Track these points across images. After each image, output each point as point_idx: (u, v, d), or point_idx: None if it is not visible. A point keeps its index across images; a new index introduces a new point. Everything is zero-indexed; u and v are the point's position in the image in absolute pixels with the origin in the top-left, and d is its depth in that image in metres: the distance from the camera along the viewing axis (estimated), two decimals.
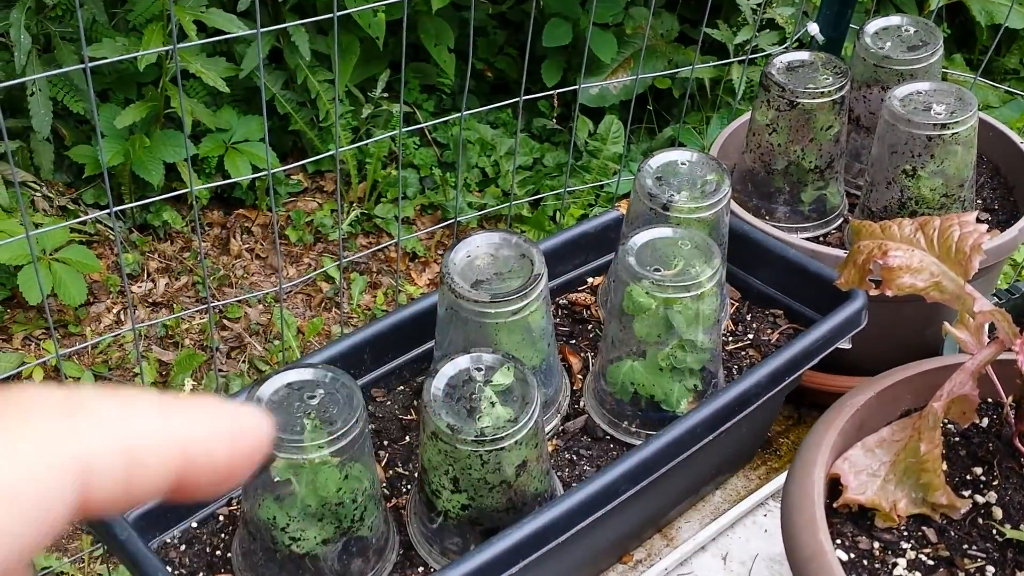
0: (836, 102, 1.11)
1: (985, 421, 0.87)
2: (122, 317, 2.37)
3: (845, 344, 1.02)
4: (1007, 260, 1.27)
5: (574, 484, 0.93)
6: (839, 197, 1.20)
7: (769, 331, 1.08)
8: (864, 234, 0.85)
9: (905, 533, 0.79)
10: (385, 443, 0.98)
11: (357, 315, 2.40)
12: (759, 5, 2.53)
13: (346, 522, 0.83)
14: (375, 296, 2.45)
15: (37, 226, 2.26)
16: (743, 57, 2.37)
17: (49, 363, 2.18)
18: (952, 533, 0.79)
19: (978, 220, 0.80)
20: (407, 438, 0.98)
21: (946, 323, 0.83)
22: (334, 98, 2.54)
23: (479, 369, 0.84)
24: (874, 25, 1.19)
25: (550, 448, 0.97)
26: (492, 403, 0.82)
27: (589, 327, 1.09)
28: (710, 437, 0.92)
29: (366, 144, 2.54)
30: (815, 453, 0.79)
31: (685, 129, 2.71)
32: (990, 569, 0.76)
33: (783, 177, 1.16)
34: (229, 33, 2.12)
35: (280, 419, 0.80)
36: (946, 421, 0.85)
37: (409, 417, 1.00)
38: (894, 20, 1.19)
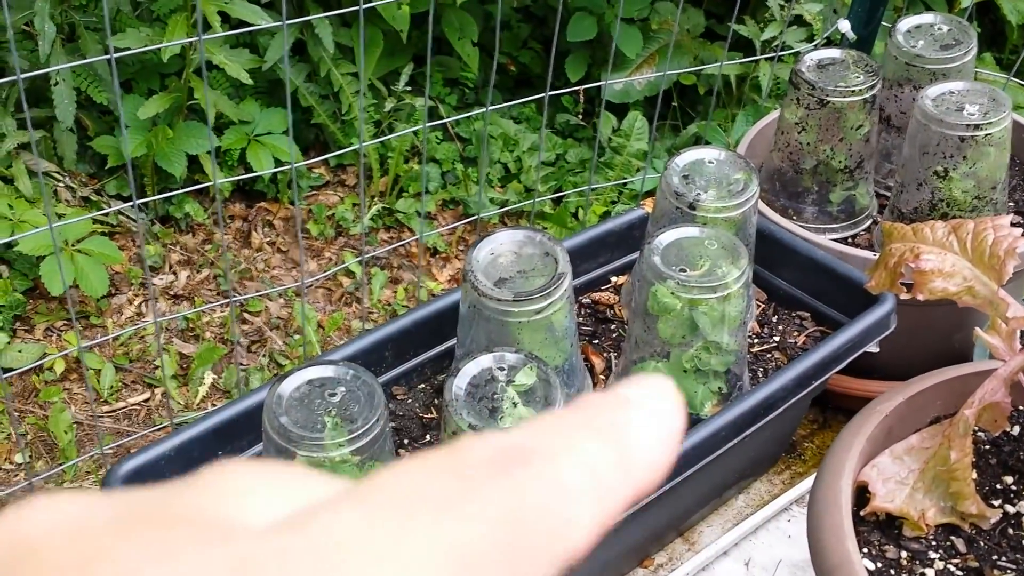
0: (867, 101, 1.10)
1: (1016, 429, 0.86)
2: (143, 309, 2.37)
3: (873, 348, 1.00)
4: None
5: None
6: (868, 198, 1.18)
7: (796, 333, 1.06)
8: (895, 236, 0.83)
9: (933, 543, 0.78)
10: (406, 441, 0.97)
11: (377, 310, 2.39)
12: (787, 1, 2.50)
13: None
14: (395, 292, 2.44)
15: (60, 217, 2.26)
16: (770, 55, 2.35)
17: (71, 355, 2.18)
18: (981, 543, 0.77)
19: (1012, 224, 0.79)
20: (428, 437, 0.97)
21: (977, 328, 0.81)
22: (358, 91, 2.53)
23: (502, 368, 0.83)
24: (906, 23, 1.17)
25: None
26: (514, 403, 0.81)
27: (612, 327, 1.08)
28: (734, 441, 0.91)
29: (388, 139, 2.53)
30: (843, 459, 0.78)
31: (710, 127, 2.69)
32: None
33: (812, 177, 1.15)
34: (253, 25, 2.12)
35: (301, 416, 0.79)
36: (976, 429, 0.84)
37: (430, 415, 0.99)
38: (927, 18, 1.17)
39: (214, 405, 2.13)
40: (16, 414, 2.11)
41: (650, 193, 2.15)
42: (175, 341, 2.30)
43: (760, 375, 1.02)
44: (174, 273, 2.45)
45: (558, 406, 0.80)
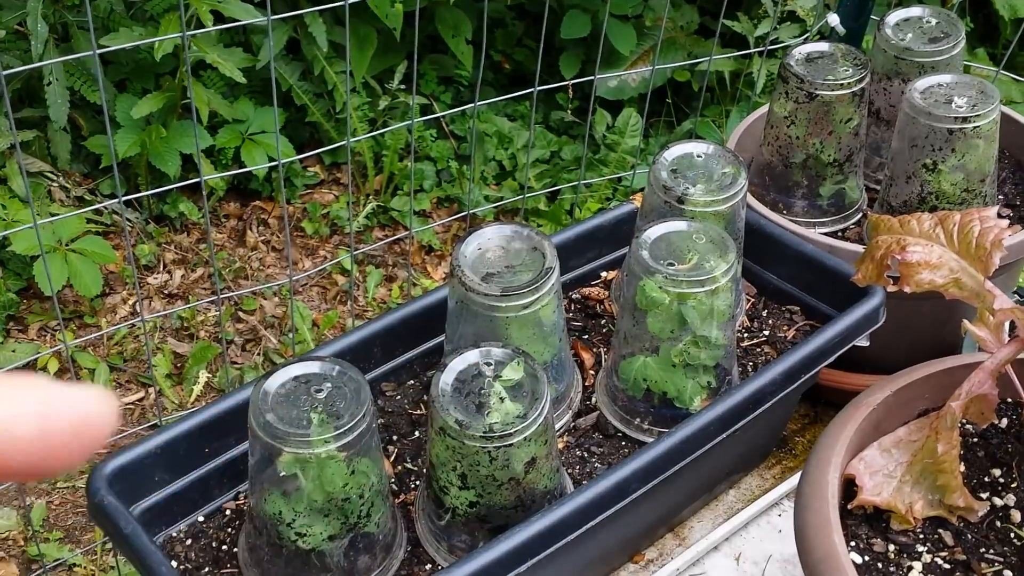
0: (856, 94, 1.09)
1: (1004, 422, 0.85)
2: (138, 308, 2.36)
3: (863, 342, 1.00)
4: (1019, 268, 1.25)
5: (585, 482, 0.91)
6: (858, 191, 1.18)
7: (785, 327, 1.06)
8: (882, 229, 0.83)
9: (921, 536, 0.77)
10: (394, 438, 0.97)
11: (372, 308, 2.39)
12: None
13: (352, 518, 0.81)
14: (390, 289, 2.44)
15: (52, 216, 2.26)
16: (760, 48, 2.35)
17: (64, 354, 2.18)
18: (969, 536, 0.77)
19: (999, 215, 0.78)
20: (416, 433, 0.97)
21: (965, 321, 0.81)
22: (353, 88, 2.53)
23: (488, 364, 0.83)
24: (895, 16, 1.17)
25: (561, 445, 0.96)
26: (501, 398, 0.81)
27: (602, 322, 1.08)
28: (724, 435, 0.90)
29: (382, 133, 2.52)
30: (830, 453, 0.77)
31: (704, 123, 2.69)
32: (1007, 573, 0.75)
33: (801, 171, 1.15)
34: (245, 23, 2.11)
35: (287, 413, 0.79)
36: (964, 422, 0.83)
37: (419, 412, 0.99)
38: (915, 11, 1.17)
39: (192, 408, 2.13)
40: None
41: (643, 189, 2.14)
42: (169, 340, 2.29)
43: (750, 369, 1.02)
44: (169, 272, 2.44)
45: (545, 401, 0.80)
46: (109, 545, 1.93)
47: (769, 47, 2.10)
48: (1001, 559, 0.75)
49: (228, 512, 0.91)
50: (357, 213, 2.54)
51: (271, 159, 2.44)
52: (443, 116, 2.59)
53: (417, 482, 0.93)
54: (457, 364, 0.83)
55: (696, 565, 1.02)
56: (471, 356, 0.83)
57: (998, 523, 0.78)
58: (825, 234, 1.14)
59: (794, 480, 1.08)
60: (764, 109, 1.23)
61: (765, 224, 1.08)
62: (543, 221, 2.51)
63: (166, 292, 2.41)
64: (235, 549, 0.88)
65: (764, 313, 1.08)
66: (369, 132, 2.58)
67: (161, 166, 2.38)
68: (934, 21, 1.16)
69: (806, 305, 1.07)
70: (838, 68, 1.10)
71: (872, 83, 1.17)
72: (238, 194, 2.62)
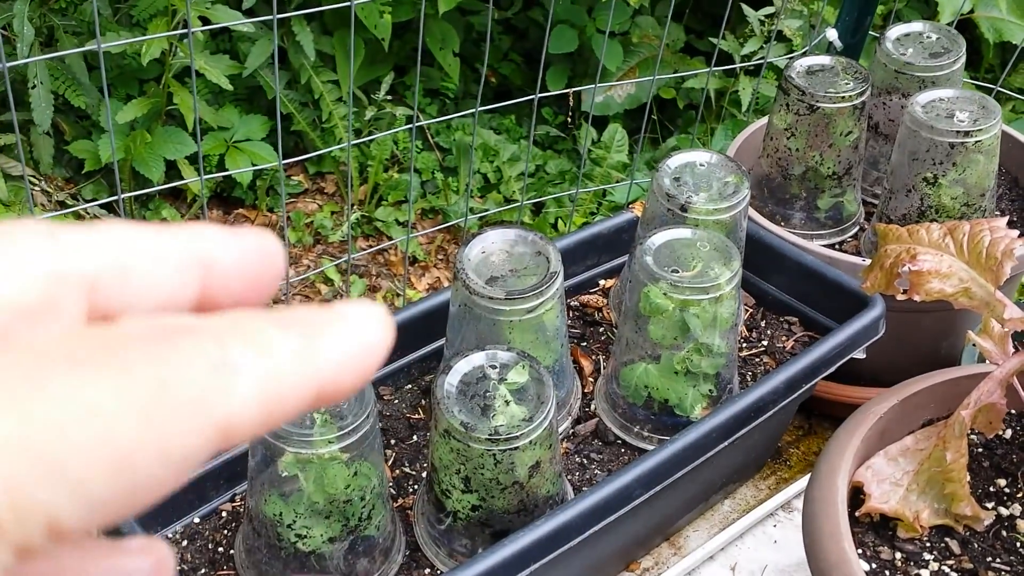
0: (856, 107, 1.10)
1: (1008, 433, 0.85)
2: None
3: (860, 354, 1.00)
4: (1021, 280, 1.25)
5: (585, 488, 0.91)
6: (856, 205, 1.18)
7: (784, 338, 1.06)
8: (891, 238, 0.83)
9: (928, 544, 0.77)
10: (392, 442, 0.96)
11: None
12: (767, 16, 2.51)
13: (353, 520, 0.81)
14: (374, 299, 2.43)
15: None
16: (741, 64, 2.36)
17: None
18: (976, 545, 0.77)
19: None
20: (415, 437, 0.96)
21: (971, 332, 0.81)
22: (339, 98, 2.52)
23: (493, 367, 0.82)
24: (895, 31, 1.17)
25: (560, 451, 0.95)
26: (507, 401, 0.80)
27: (601, 329, 1.07)
28: (725, 443, 0.90)
29: (370, 140, 2.52)
30: (838, 460, 0.77)
31: (686, 139, 2.69)
32: None
33: (800, 183, 1.15)
34: (234, 30, 2.10)
35: None
36: (970, 432, 0.83)
37: (417, 416, 0.98)
38: (916, 27, 1.17)
39: None
40: None
41: (633, 203, 2.15)
42: None
43: (749, 379, 1.02)
44: None
45: (551, 405, 0.80)
46: None
47: (752, 62, 2.12)
48: (1008, 568, 0.75)
49: (224, 513, 0.90)
50: (341, 223, 2.53)
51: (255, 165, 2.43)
52: (430, 122, 2.58)
53: (415, 486, 0.92)
54: (462, 367, 0.82)
55: (691, 574, 1.02)
56: (476, 359, 0.83)
57: (1004, 532, 0.78)
58: (823, 246, 1.14)
59: (789, 491, 1.08)
60: (761, 122, 1.23)
61: (765, 235, 1.08)
62: None
63: None
64: (232, 551, 0.87)
65: (763, 323, 1.08)
66: (354, 141, 2.57)
67: (145, 171, 2.36)
68: (934, 36, 1.17)
69: (805, 316, 1.07)
70: (839, 81, 1.11)
71: (871, 97, 1.18)
72: (221, 201, 2.61)
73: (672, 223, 0.96)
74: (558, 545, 0.80)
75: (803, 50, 2.09)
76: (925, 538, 0.77)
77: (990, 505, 0.80)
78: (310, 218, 2.58)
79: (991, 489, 0.81)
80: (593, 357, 1.04)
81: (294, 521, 0.79)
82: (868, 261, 0.98)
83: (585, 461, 0.95)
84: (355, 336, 0.25)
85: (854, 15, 1.30)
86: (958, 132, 1.02)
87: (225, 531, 0.88)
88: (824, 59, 1.14)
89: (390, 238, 2.54)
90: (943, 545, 0.77)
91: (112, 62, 2.48)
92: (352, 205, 2.59)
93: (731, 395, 0.95)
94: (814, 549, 0.73)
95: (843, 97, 1.09)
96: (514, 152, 2.65)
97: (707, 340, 0.91)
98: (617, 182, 2.55)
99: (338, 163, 2.67)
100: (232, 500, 0.90)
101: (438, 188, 2.63)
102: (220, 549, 0.87)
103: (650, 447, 0.94)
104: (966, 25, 2.66)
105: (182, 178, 2.45)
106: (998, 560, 0.76)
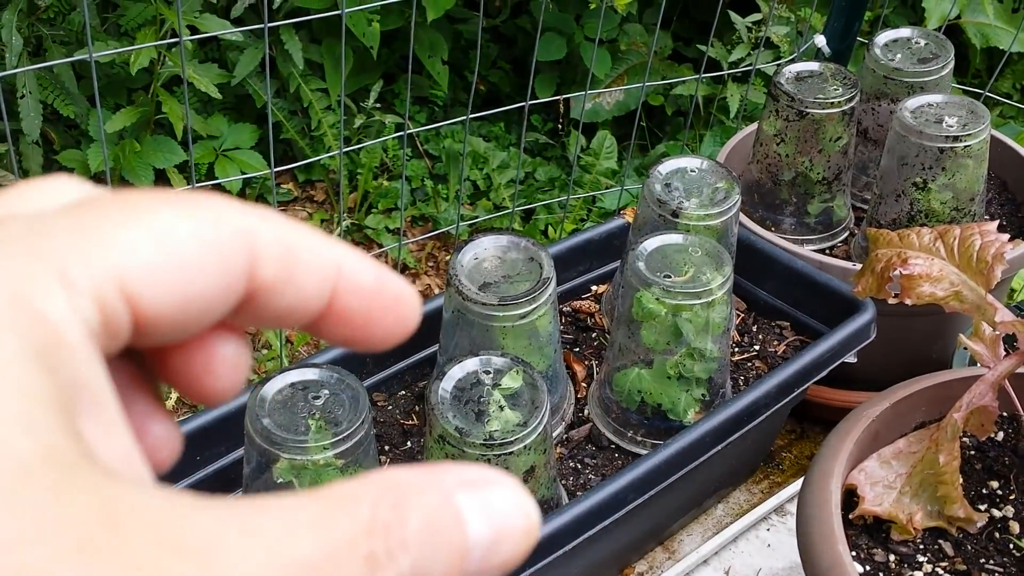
0: (845, 113, 1.10)
1: (1000, 435, 0.86)
2: None
3: (851, 358, 1.01)
4: (1010, 284, 1.26)
5: (579, 493, 0.91)
6: (846, 210, 1.19)
7: (775, 343, 1.06)
8: (882, 243, 0.84)
9: (921, 546, 0.78)
10: (387, 448, 0.96)
11: None
12: (755, 23, 2.53)
13: None
14: None
15: None
16: (729, 71, 2.37)
17: None
18: (969, 547, 0.78)
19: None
20: (409, 443, 0.96)
21: (962, 335, 0.82)
22: (328, 107, 2.52)
23: (487, 372, 0.82)
24: (884, 37, 1.18)
25: (554, 456, 0.96)
26: (501, 407, 0.80)
27: (593, 335, 1.08)
28: (718, 448, 0.90)
29: (359, 148, 2.52)
30: (832, 463, 0.77)
31: (676, 146, 2.70)
32: None
33: (790, 188, 1.15)
34: (222, 39, 2.10)
35: (284, 419, 0.78)
36: (962, 434, 0.84)
37: (411, 422, 0.98)
38: (904, 32, 1.18)
39: (180, 418, 2.11)
40: None
41: (623, 209, 2.15)
42: None
43: (741, 383, 1.02)
44: None
45: (545, 409, 0.80)
46: None
47: (740, 69, 2.13)
48: (1001, 569, 0.76)
49: None
50: (331, 230, 2.53)
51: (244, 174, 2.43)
52: (417, 133, 2.59)
53: None
54: (456, 372, 0.82)
55: None
56: (470, 364, 0.83)
57: (997, 534, 0.78)
58: (813, 251, 1.15)
59: (782, 495, 1.08)
60: (750, 129, 1.24)
61: (755, 240, 1.09)
62: None
63: None
64: None
65: (754, 328, 1.08)
66: (344, 149, 2.57)
67: (134, 181, 2.36)
68: (923, 42, 1.17)
69: (796, 320, 1.07)
70: (828, 87, 1.11)
71: (860, 103, 1.18)
72: None
73: (663, 229, 0.97)
74: (552, 550, 0.80)
75: (791, 56, 2.10)
76: (918, 540, 0.78)
77: (983, 507, 0.80)
78: None
79: (984, 491, 0.81)
80: (586, 362, 1.04)
81: None
82: (858, 266, 0.99)
83: (579, 466, 0.95)
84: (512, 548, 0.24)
85: (842, 21, 1.30)
86: (947, 137, 1.02)
87: None
88: (813, 65, 1.14)
89: (380, 245, 2.54)
90: (936, 547, 0.78)
91: (101, 72, 2.48)
92: (342, 213, 2.58)
93: (724, 399, 0.95)
94: (808, 552, 0.73)
95: (832, 103, 1.09)
96: (504, 159, 2.66)
97: (699, 345, 0.91)
98: (606, 189, 2.56)
99: (328, 171, 2.67)
100: None
101: (428, 195, 2.64)
102: None
103: (644, 451, 0.94)
104: (953, 30, 2.67)
105: (171, 187, 2.44)
106: (991, 562, 0.76)
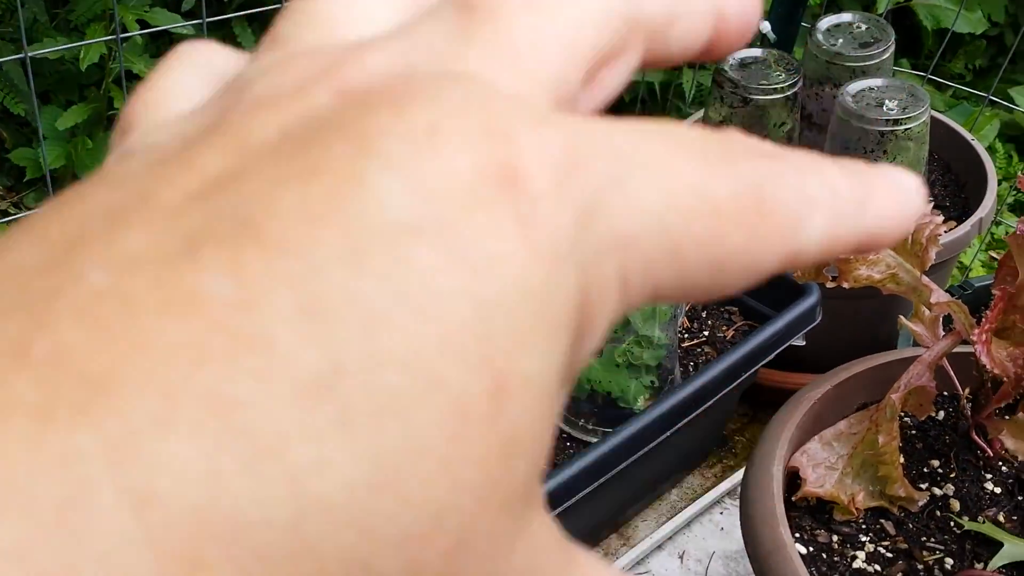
0: (789, 99, 1.11)
1: (941, 414, 0.87)
2: None
3: (799, 341, 1.02)
4: (955, 264, 1.28)
5: None
6: None
7: (724, 328, 1.07)
8: None
9: (863, 526, 0.79)
10: None
11: None
12: None
13: None
14: None
15: None
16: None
17: None
18: (910, 525, 0.79)
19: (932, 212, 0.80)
20: None
21: (901, 317, 0.83)
22: None
23: None
24: (826, 22, 1.19)
25: None
26: None
27: None
28: (668, 433, 0.91)
29: None
30: (773, 447, 0.79)
31: None
32: (948, 561, 0.76)
33: None
34: (174, 33, 2.09)
35: None
36: (903, 414, 0.85)
37: None
38: (845, 17, 1.19)
39: None
40: None
41: None
42: None
43: (691, 369, 1.03)
44: None
45: None
46: None
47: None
48: (942, 547, 0.77)
49: None
50: None
51: None
52: None
53: None
54: None
55: (641, 564, 1.03)
56: None
57: (938, 512, 0.80)
58: None
59: (735, 478, 1.09)
60: (698, 115, 1.25)
61: None
62: None
63: None
64: None
65: (703, 314, 1.09)
66: None
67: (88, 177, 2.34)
68: (864, 27, 1.18)
69: (744, 306, 1.08)
70: (771, 73, 1.12)
71: (804, 88, 1.19)
72: None
73: None
74: None
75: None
76: (861, 520, 0.79)
77: (924, 486, 0.81)
78: None
79: (924, 470, 0.83)
80: None
81: None
82: None
83: None
84: (898, 192, 0.23)
85: (786, 6, 1.31)
86: (887, 120, 1.04)
87: None
88: (756, 51, 1.15)
89: None
90: (878, 527, 0.79)
91: (51, 67, 2.46)
92: None
93: (673, 385, 0.96)
94: (751, 535, 0.74)
95: (775, 89, 1.10)
96: None
97: (647, 332, 0.92)
98: None
99: None
100: None
101: None
102: None
103: (595, 440, 0.95)
104: (905, 13, 2.69)
105: None
106: (932, 540, 0.78)
